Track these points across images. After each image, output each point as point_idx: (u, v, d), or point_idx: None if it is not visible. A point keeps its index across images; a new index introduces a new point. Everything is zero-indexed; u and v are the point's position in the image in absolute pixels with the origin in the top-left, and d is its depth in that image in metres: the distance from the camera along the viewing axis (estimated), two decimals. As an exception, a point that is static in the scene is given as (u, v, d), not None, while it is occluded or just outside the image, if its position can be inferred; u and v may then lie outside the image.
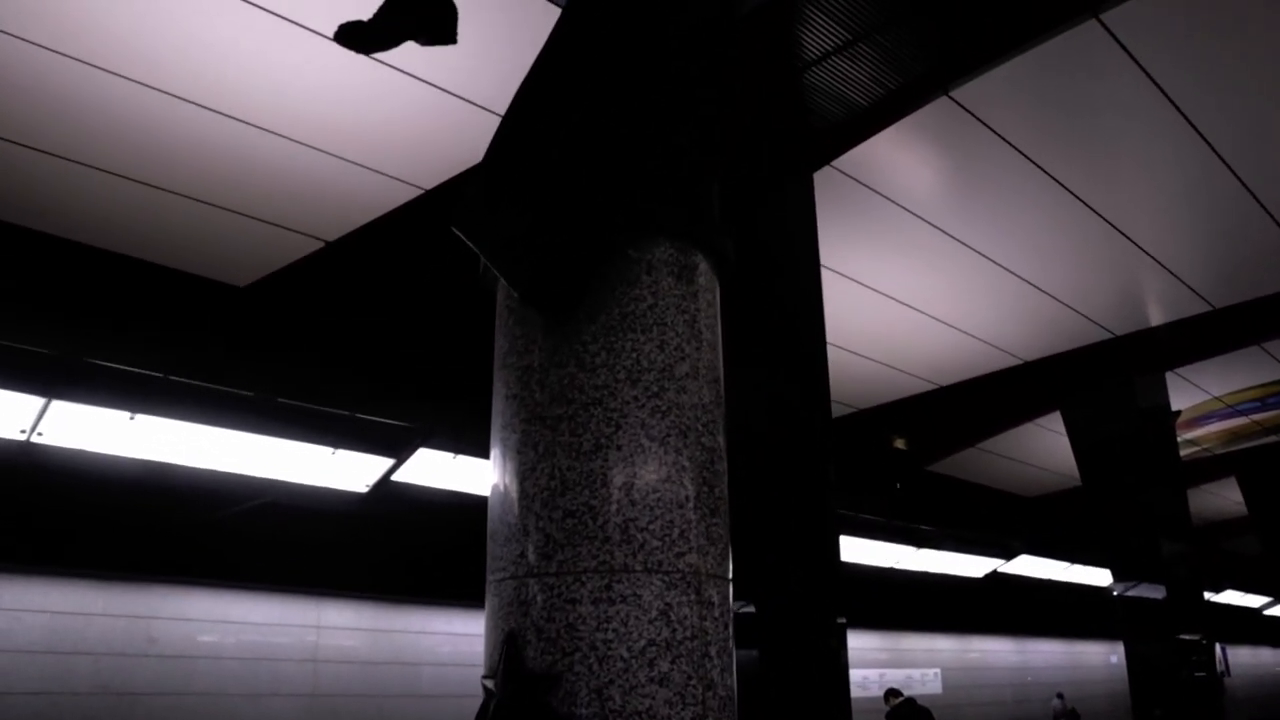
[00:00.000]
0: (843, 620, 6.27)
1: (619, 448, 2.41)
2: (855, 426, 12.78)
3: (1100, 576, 16.90)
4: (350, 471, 8.29)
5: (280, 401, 7.63)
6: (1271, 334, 10.90)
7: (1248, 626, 25.78)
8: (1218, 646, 14.41)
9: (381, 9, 3.06)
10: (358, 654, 9.15)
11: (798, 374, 6.85)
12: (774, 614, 6.04)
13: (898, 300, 9.52)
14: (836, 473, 6.74)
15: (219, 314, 8.08)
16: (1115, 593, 12.11)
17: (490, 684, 2.36)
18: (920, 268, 8.95)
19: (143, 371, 7.03)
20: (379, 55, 5.55)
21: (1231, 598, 23.05)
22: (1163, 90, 6.50)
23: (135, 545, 7.68)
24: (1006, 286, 9.23)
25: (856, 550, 13.14)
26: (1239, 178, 7.51)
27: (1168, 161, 7.42)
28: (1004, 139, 7.00)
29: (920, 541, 14.17)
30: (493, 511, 2.57)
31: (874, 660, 15.27)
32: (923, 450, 14.39)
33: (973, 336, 10.45)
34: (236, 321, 8.16)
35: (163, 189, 6.77)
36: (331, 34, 3.11)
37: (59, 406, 6.65)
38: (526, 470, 2.47)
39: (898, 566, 14.34)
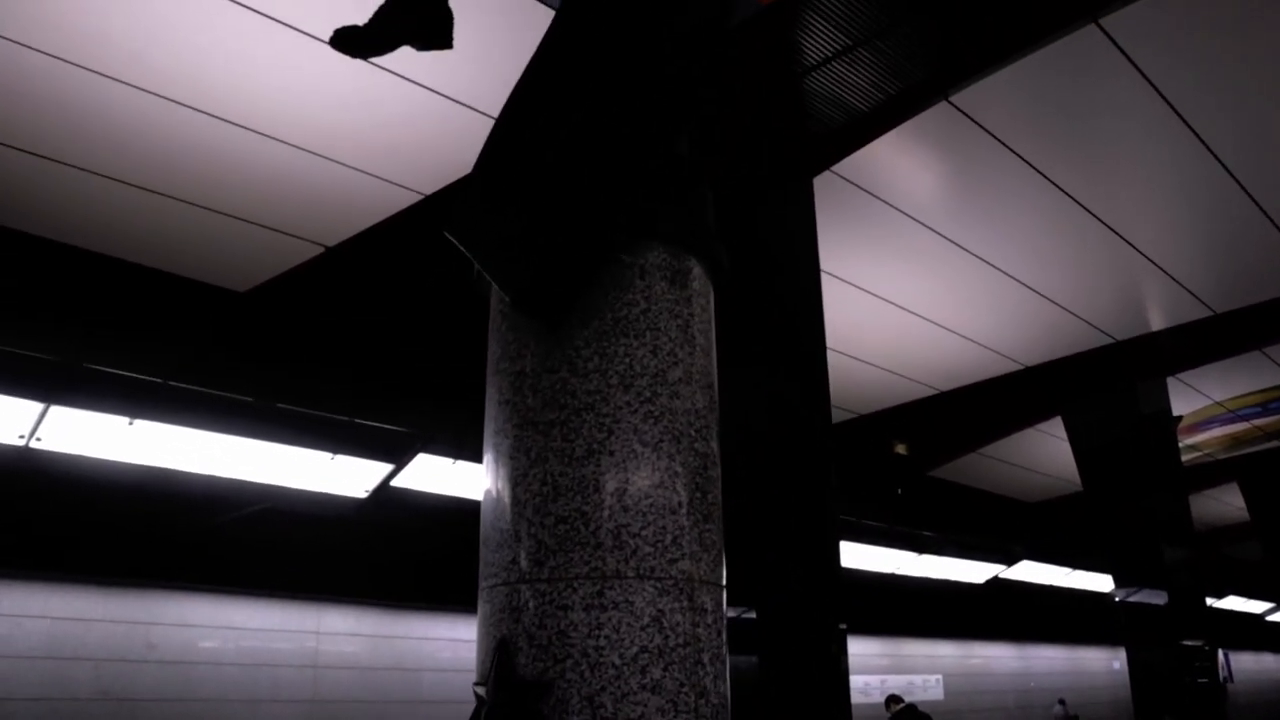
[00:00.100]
0: (843, 626, 6.26)
1: (611, 453, 2.40)
2: (856, 432, 12.76)
3: (1102, 582, 16.89)
4: (350, 477, 8.29)
5: (279, 407, 7.64)
6: (1273, 339, 10.88)
7: (1251, 632, 25.74)
8: (1220, 652, 14.37)
9: (377, 14, 3.05)
10: (358, 660, 9.15)
11: (798, 379, 6.84)
12: (774, 619, 6.03)
13: (898, 305, 9.51)
14: (837, 478, 6.73)
15: (220, 319, 8.08)
16: (1117, 598, 12.09)
17: (482, 691, 2.35)
18: (920, 273, 8.94)
19: (142, 377, 7.04)
20: (380, 61, 5.58)
21: (1234, 603, 23.02)
22: (1162, 95, 6.49)
23: (135, 551, 7.68)
24: (1007, 291, 9.22)
25: (858, 556, 13.13)
26: (1239, 182, 7.50)
27: (1168, 166, 7.41)
28: (1004, 144, 6.99)
29: (921, 547, 14.16)
30: (485, 517, 2.56)
31: (876, 666, 15.26)
32: (924, 455, 14.37)
33: (973, 341, 10.44)
34: (237, 327, 8.15)
35: (163, 194, 6.77)
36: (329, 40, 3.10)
37: (58, 411, 6.65)
38: (519, 476, 2.45)
39: (899, 572, 14.33)
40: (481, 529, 2.56)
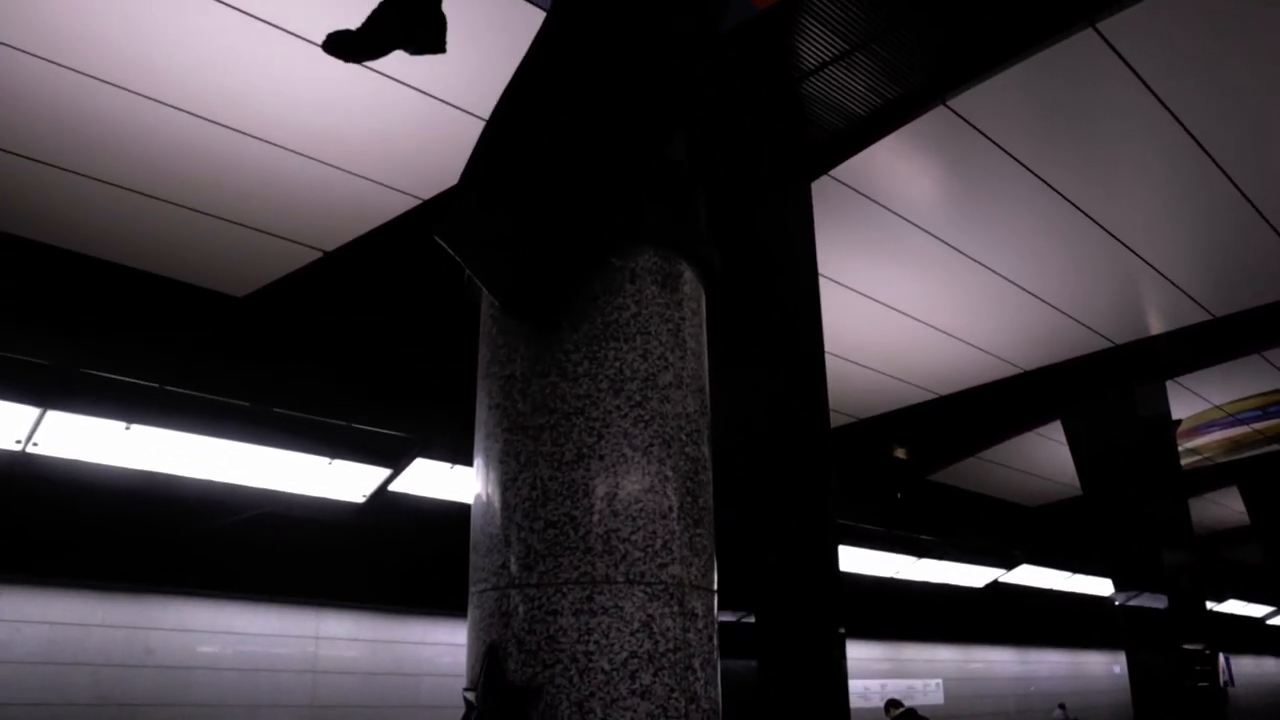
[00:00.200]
0: (842, 630, 6.25)
1: (601, 458, 2.39)
2: (855, 436, 12.75)
3: (1102, 586, 16.87)
4: (347, 481, 8.28)
5: (277, 411, 7.63)
6: (1272, 342, 10.87)
7: (1251, 636, 25.71)
8: (1221, 656, 14.35)
9: (370, 18, 3.05)
10: (357, 665, 9.13)
11: (797, 383, 6.84)
12: (774, 623, 6.02)
13: (897, 310, 9.51)
14: (836, 482, 6.72)
15: (217, 324, 8.07)
16: (1117, 602, 12.08)
17: (471, 696, 2.34)
18: (919, 277, 8.94)
19: (139, 382, 7.02)
20: (379, 66, 5.59)
21: (1234, 607, 22.98)
22: (1159, 98, 6.49)
23: (133, 556, 7.67)
24: (1005, 295, 9.21)
25: (858, 560, 13.12)
26: (1237, 186, 7.50)
27: (1166, 170, 7.41)
28: (1002, 148, 6.99)
29: (921, 551, 14.15)
30: (475, 522, 2.55)
31: (876, 671, 15.23)
32: (923, 460, 14.36)
33: (972, 346, 10.43)
34: (235, 331, 8.14)
35: (161, 199, 6.76)
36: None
37: (54, 416, 6.64)
38: (508, 480, 2.45)
39: (899, 576, 14.31)
40: (472, 533, 2.56)
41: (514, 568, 2.36)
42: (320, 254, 7.56)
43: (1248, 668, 25.55)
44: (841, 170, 7.19)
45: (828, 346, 7.32)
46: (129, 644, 7.76)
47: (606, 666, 2.23)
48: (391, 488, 8.46)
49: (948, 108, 6.56)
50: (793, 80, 6.23)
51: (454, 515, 8.56)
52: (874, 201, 7.61)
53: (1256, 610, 24.83)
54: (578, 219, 2.49)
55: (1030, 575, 16.54)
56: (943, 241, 8.22)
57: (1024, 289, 9.13)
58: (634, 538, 2.34)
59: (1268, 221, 8.02)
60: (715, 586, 2.56)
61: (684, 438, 2.52)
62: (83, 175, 6.46)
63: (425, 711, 9.32)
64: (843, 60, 6.01)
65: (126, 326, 7.61)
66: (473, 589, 2.49)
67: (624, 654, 2.25)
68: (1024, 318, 9.77)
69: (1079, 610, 18.44)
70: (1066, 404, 12.35)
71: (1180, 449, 13.29)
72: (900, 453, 13.81)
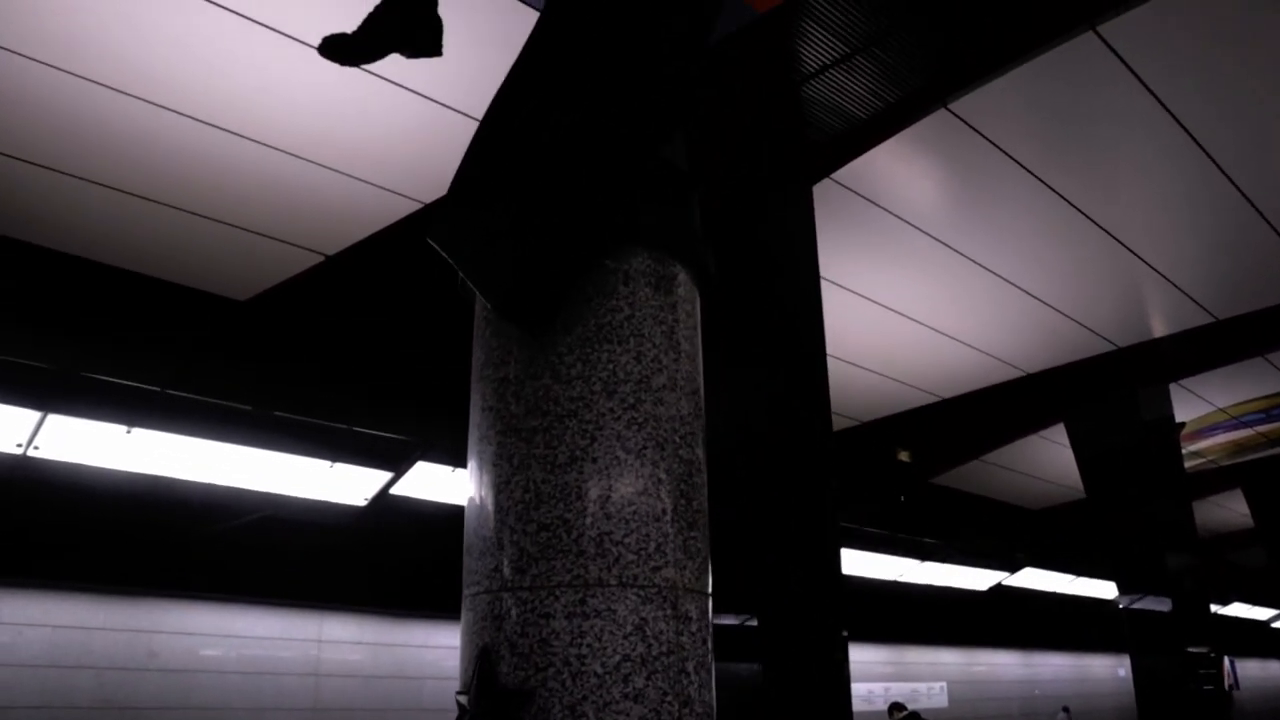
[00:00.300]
0: (845, 633, 6.24)
1: (594, 460, 2.38)
2: (859, 439, 12.74)
3: (1106, 589, 16.83)
4: (349, 485, 8.28)
5: (278, 415, 7.63)
6: (1275, 345, 10.83)
7: (1257, 639, 25.64)
8: (1226, 659, 14.31)
9: (366, 21, 3.05)
10: (360, 668, 9.14)
11: (798, 385, 6.83)
12: (776, 626, 6.01)
13: (899, 313, 9.50)
14: (840, 485, 6.71)
15: (219, 327, 8.08)
16: (1121, 605, 12.05)
17: (464, 700, 2.34)
18: (921, 279, 8.93)
19: (139, 385, 7.03)
20: (380, 70, 5.59)
21: (1239, 610, 22.93)
22: (1160, 101, 6.48)
23: (135, 559, 7.68)
24: (1007, 299, 9.20)
25: (861, 563, 13.11)
26: (1239, 188, 7.48)
27: (1167, 172, 7.39)
28: (1003, 151, 6.98)
29: (924, 554, 14.12)
30: (469, 525, 2.55)
31: (880, 674, 15.22)
32: (927, 463, 14.34)
33: (974, 349, 10.41)
34: (236, 335, 8.15)
35: (163, 203, 6.77)
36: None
37: (55, 420, 6.65)
38: (501, 483, 2.44)
39: (902, 579, 14.29)
40: (465, 536, 2.55)
41: (507, 571, 2.35)
42: (322, 258, 7.56)
43: (1253, 671, 25.49)
44: (843, 173, 7.19)
45: (830, 349, 7.31)
46: (132, 647, 7.77)
47: (599, 670, 2.22)
48: (393, 491, 8.46)
49: (949, 111, 6.55)
50: (793, 83, 6.22)
51: (455, 518, 8.52)
52: (875, 204, 7.60)
53: (1261, 613, 24.77)
54: (571, 221, 2.48)
55: (1034, 578, 16.52)
56: (944, 244, 8.21)
57: (1026, 292, 9.12)
58: (627, 540, 2.34)
59: (1270, 223, 8.00)
60: (710, 590, 2.55)
61: (678, 440, 2.51)
62: (85, 180, 6.47)
63: (428, 715, 9.32)
64: (843, 63, 6.01)
65: (128, 330, 7.63)
66: (466, 592, 2.48)
67: (617, 657, 2.24)
68: (1026, 320, 9.75)
69: (1083, 613, 18.41)
70: (1069, 407, 12.33)
71: (1184, 452, 13.25)
72: (903, 455, 13.79)
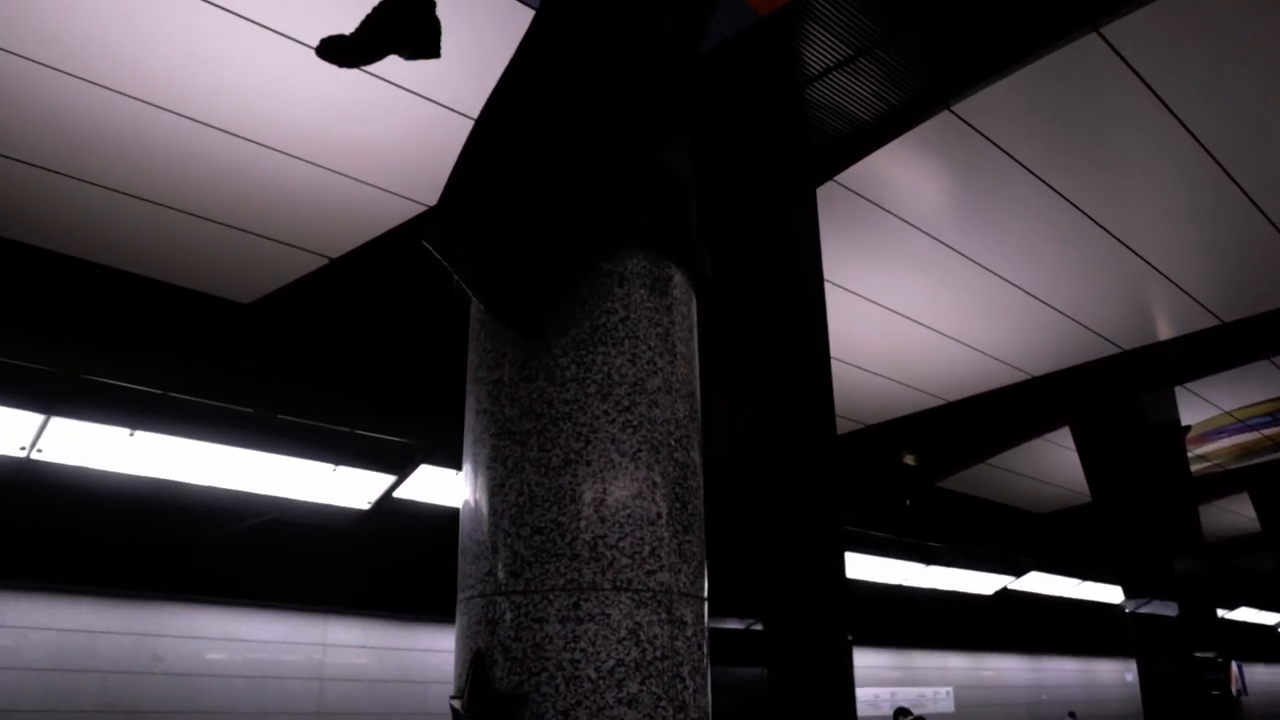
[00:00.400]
0: (850, 637, 6.23)
1: (588, 463, 2.37)
2: (864, 442, 12.72)
3: (1112, 593, 16.80)
4: (352, 488, 8.28)
5: (281, 418, 7.63)
6: (1282, 348, 10.83)
7: (1265, 644, 25.55)
8: (1233, 664, 14.26)
9: (364, 22, 3.05)
10: (365, 672, 9.13)
11: (802, 388, 6.81)
12: (780, 631, 6.00)
13: (903, 315, 9.48)
14: (845, 489, 6.69)
15: (223, 330, 8.09)
16: (1127, 610, 12.02)
17: (458, 705, 2.32)
18: (926, 283, 8.91)
19: (142, 388, 7.04)
20: (383, 73, 5.59)
21: (1246, 615, 22.86)
22: (1164, 103, 6.46)
23: (138, 562, 7.68)
24: (1012, 301, 9.18)
25: (867, 567, 13.08)
26: (1244, 191, 7.46)
27: (1171, 175, 7.37)
28: (1007, 153, 6.97)
29: (930, 558, 14.10)
30: (463, 528, 2.53)
31: (886, 678, 15.20)
32: (932, 466, 14.32)
33: (980, 352, 10.39)
34: (240, 338, 8.16)
35: (167, 206, 6.78)
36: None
37: (58, 423, 6.66)
38: (495, 486, 2.43)
39: (907, 583, 14.27)
40: (460, 539, 2.54)
41: (501, 574, 2.34)
42: (326, 260, 7.57)
43: (1261, 676, 25.40)
44: (847, 176, 7.18)
45: (835, 352, 7.29)
46: (136, 651, 7.77)
47: (593, 675, 2.21)
48: (396, 494, 8.46)
49: (952, 113, 6.54)
50: (797, 86, 6.21)
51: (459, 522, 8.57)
52: (880, 207, 7.59)
53: (1269, 618, 24.69)
54: (565, 222, 2.47)
55: (1040, 582, 16.49)
56: (949, 247, 8.19)
57: (1031, 294, 9.10)
58: (621, 544, 2.32)
59: (1275, 226, 7.98)
60: (706, 594, 2.53)
61: (673, 443, 2.49)
62: (88, 182, 6.48)
63: (434, 719, 9.31)
64: (846, 65, 6.00)
65: (131, 333, 7.63)
66: (461, 595, 2.47)
67: (611, 662, 2.22)
68: (1031, 323, 9.73)
69: (1090, 618, 18.37)
70: (1075, 410, 12.30)
71: (1190, 455, 13.22)
72: (909, 459, 13.77)
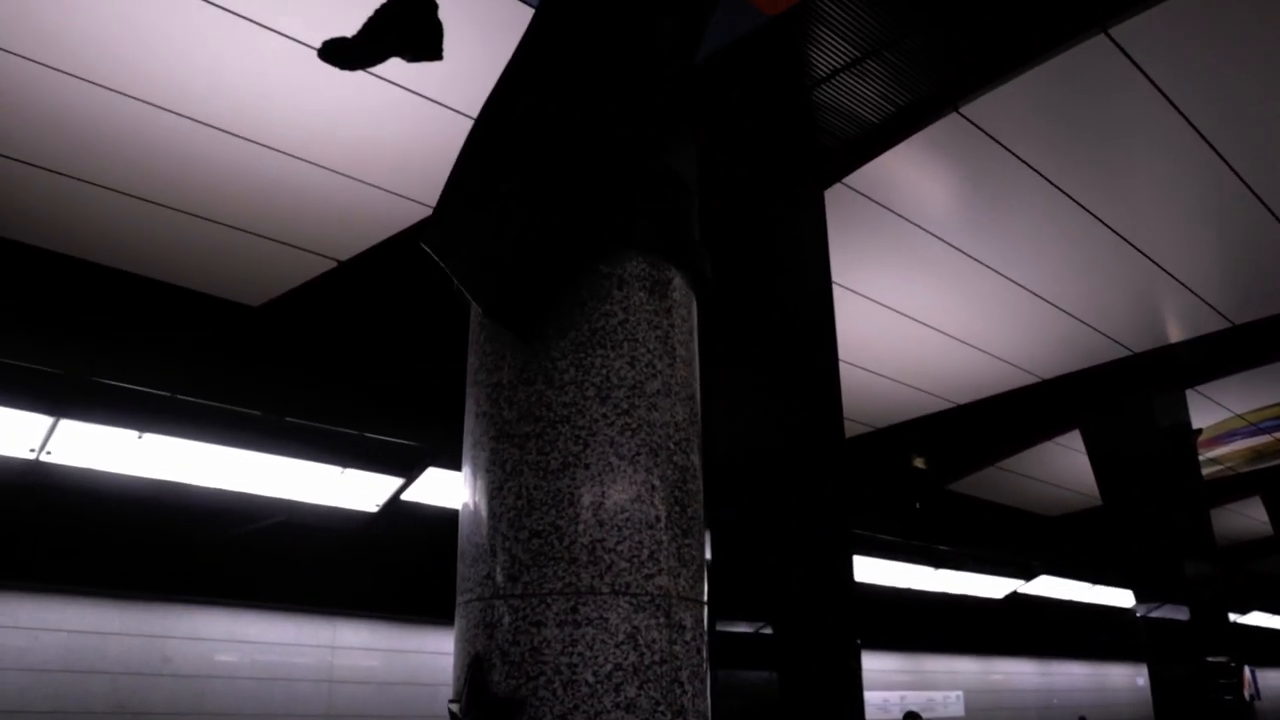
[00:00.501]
0: (858, 641, 6.21)
1: (587, 466, 2.36)
2: (872, 445, 12.69)
3: (1123, 597, 16.72)
4: (361, 491, 8.27)
5: (289, 421, 7.64)
6: (1292, 351, 10.78)
7: (1278, 649, 25.42)
8: (1246, 669, 14.19)
9: (366, 25, 3.05)
10: (374, 674, 9.13)
11: (810, 392, 6.80)
12: (788, 634, 5.98)
13: (912, 318, 9.46)
14: (854, 492, 6.68)
15: (231, 333, 8.10)
16: (1138, 614, 11.96)
17: (456, 708, 2.32)
18: (935, 285, 8.89)
19: (151, 391, 7.05)
20: (390, 76, 5.60)
21: (1259, 619, 22.74)
22: (1174, 104, 6.43)
23: (148, 564, 7.69)
24: (1022, 303, 9.15)
25: (877, 571, 13.04)
26: (1254, 193, 7.43)
27: (1181, 176, 7.34)
28: (1015, 155, 6.95)
29: (939, 561, 14.05)
30: (462, 531, 2.53)
31: (896, 682, 15.14)
32: (942, 469, 14.28)
33: (989, 354, 10.36)
34: (250, 341, 8.17)
35: (177, 209, 6.80)
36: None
37: (67, 425, 6.66)
38: (494, 489, 2.42)
39: (916, 587, 14.22)
40: (459, 543, 2.54)
41: (499, 578, 2.33)
42: (334, 263, 7.58)
43: (1275, 681, 25.28)
44: (855, 178, 7.17)
45: (844, 355, 7.28)
46: (146, 652, 7.77)
47: (591, 679, 2.20)
48: (404, 497, 8.46)
49: (960, 115, 6.53)
50: (804, 87, 6.20)
51: (466, 524, 8.57)
52: (888, 209, 7.57)
53: (1283, 623, 24.59)
54: (564, 224, 2.46)
55: (1050, 586, 16.40)
56: (957, 249, 8.17)
57: (1040, 297, 9.07)
58: (620, 548, 2.31)
59: (1286, 228, 7.96)
60: (705, 598, 2.52)
61: (672, 446, 2.49)
62: (96, 184, 6.50)
63: (442, 722, 9.29)
64: (854, 67, 5.99)
65: (140, 335, 7.65)
66: (459, 599, 2.46)
67: (609, 666, 2.22)
68: (1041, 326, 9.70)
69: (1100, 621, 18.28)
70: (1085, 413, 12.26)
71: (1201, 458, 13.16)
72: (919, 462, 13.74)
